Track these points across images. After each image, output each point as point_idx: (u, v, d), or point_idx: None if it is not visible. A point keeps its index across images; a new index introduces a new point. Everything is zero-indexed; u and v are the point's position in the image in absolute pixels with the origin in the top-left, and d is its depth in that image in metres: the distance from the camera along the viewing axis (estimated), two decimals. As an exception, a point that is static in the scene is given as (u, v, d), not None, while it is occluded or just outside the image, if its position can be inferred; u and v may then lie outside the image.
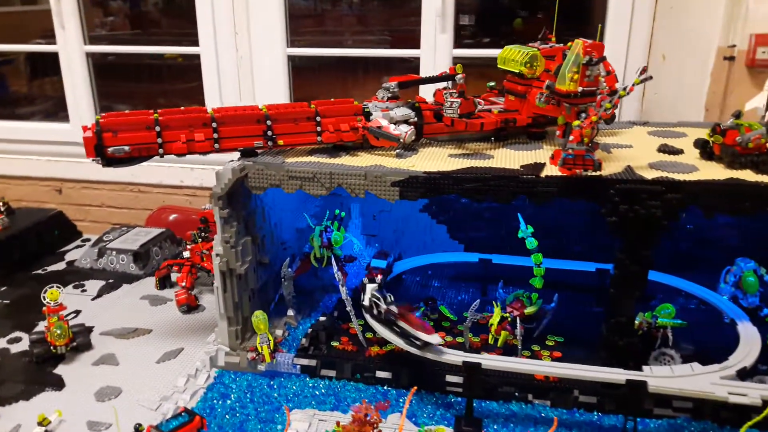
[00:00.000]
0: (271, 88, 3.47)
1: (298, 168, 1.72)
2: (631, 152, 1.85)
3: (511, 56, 1.89)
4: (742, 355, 1.60)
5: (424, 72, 3.29)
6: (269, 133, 1.75)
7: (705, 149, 1.73)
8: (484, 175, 1.63)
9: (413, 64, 3.89)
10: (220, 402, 1.74)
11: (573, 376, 1.55)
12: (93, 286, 2.47)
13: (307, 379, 1.84)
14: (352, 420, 1.42)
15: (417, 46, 3.35)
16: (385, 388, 1.80)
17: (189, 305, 2.25)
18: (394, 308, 1.74)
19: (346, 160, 1.79)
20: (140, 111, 1.73)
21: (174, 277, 2.44)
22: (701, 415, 1.62)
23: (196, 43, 3.57)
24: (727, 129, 1.66)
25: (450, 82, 1.91)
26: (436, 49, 3.22)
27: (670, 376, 1.51)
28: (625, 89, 1.52)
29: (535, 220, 1.86)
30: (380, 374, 1.81)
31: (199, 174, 3.67)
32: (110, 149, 1.64)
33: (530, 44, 1.94)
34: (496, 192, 1.63)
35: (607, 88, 1.55)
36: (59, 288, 1.99)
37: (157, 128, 1.66)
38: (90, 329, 2.10)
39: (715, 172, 1.62)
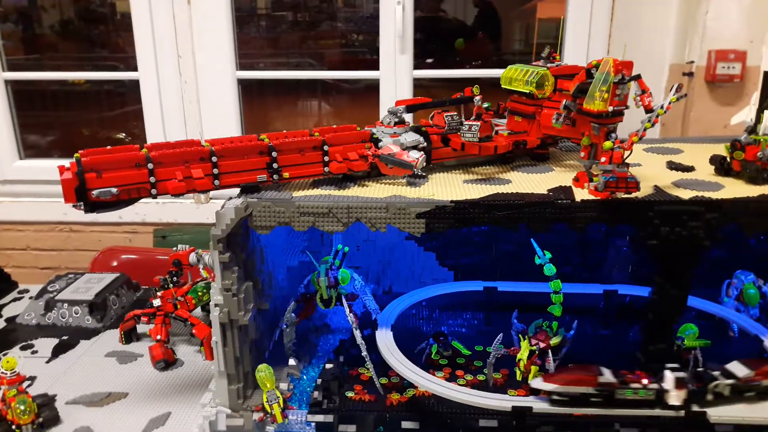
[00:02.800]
0: (219, 114, 3.26)
1: (311, 203, 1.54)
2: (643, 171, 1.80)
3: (517, 76, 1.81)
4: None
5: (385, 94, 3.19)
6: (274, 165, 1.56)
7: (722, 165, 1.71)
8: (518, 202, 1.53)
9: (359, 84, 3.79)
10: (233, 474, 1.53)
11: (629, 414, 1.46)
12: (44, 345, 2.15)
13: (324, 436, 1.66)
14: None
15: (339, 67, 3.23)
16: (412, 439, 1.65)
17: (167, 360, 1.99)
18: None
19: (357, 191, 1.63)
20: (123, 146, 1.51)
21: (141, 329, 2.18)
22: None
23: (102, 67, 3.30)
24: (747, 144, 1.64)
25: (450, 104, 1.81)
26: (396, 70, 3.13)
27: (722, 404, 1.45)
28: (662, 107, 1.47)
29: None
30: (406, 425, 1.65)
31: (140, 209, 3.37)
32: (95, 192, 1.40)
33: (534, 63, 1.87)
34: (531, 219, 1.53)
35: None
36: (15, 356, 1.71)
37: (150, 165, 1.44)
38: (53, 399, 1.81)
39: (742, 189, 1.59)
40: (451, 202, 1.54)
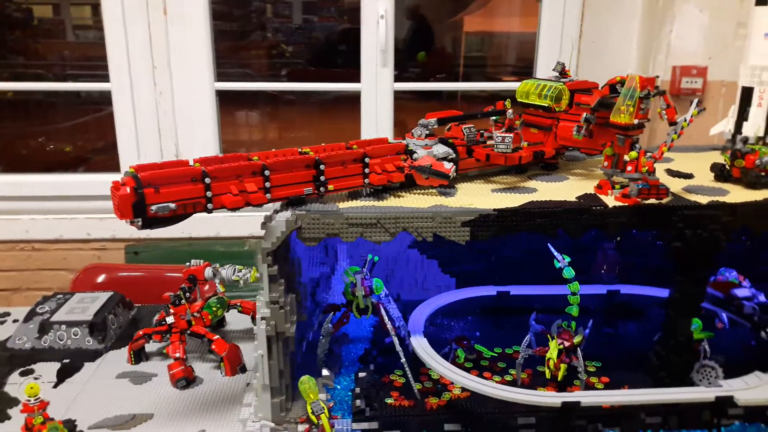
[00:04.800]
0: (196, 126, 3.20)
1: (360, 214, 1.58)
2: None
3: (534, 90, 1.92)
4: (789, 359, 1.74)
5: (366, 106, 3.24)
6: (321, 178, 1.59)
7: (722, 173, 1.87)
8: (556, 210, 1.62)
9: (329, 96, 3.82)
10: (290, 487, 1.53)
11: (670, 401, 1.58)
12: (45, 369, 2.05)
13: (369, 444, 1.68)
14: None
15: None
16: (455, 440, 1.70)
17: (187, 379, 1.95)
18: None
19: (394, 202, 1.68)
20: (173, 161, 1.49)
21: (148, 348, 2.12)
22: (752, 419, 1.73)
23: (23, 76, 3.20)
24: (746, 153, 1.81)
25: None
26: (377, 82, 3.19)
27: (749, 388, 1.59)
28: (685, 120, 1.60)
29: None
30: (448, 427, 1.70)
31: (109, 224, 3.26)
32: (153, 208, 1.38)
33: (546, 78, 1.98)
34: (568, 225, 1.62)
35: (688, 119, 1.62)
36: (37, 379, 1.64)
37: (207, 180, 1.43)
38: (74, 424, 1.75)
39: (745, 193, 1.75)
40: (494, 210, 1.61)
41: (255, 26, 4.53)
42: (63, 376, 2.02)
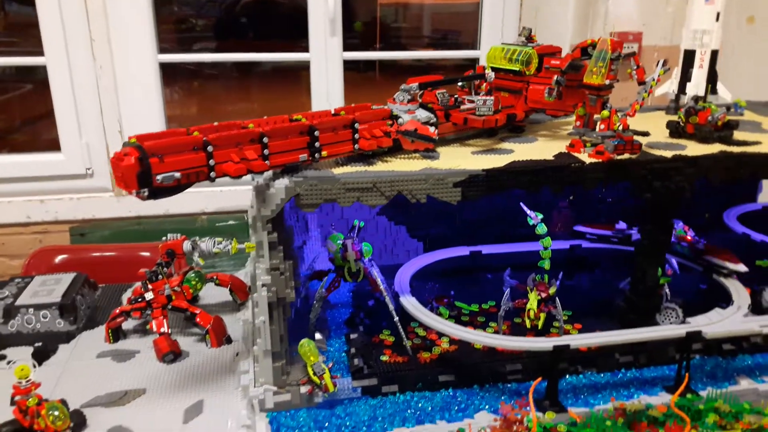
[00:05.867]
0: (140, 101, 3.10)
1: (357, 179, 1.61)
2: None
3: (503, 55, 1.99)
4: (740, 297, 1.92)
5: (315, 75, 3.23)
6: (316, 144, 1.60)
7: (676, 129, 2.03)
8: (539, 168, 1.71)
9: (265, 67, 3.77)
10: (302, 446, 1.57)
11: (648, 338, 1.72)
12: (18, 354, 1.97)
13: (369, 399, 1.74)
14: (504, 420, 1.41)
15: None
16: (450, 390, 1.78)
17: (174, 353, 1.93)
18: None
19: (382, 167, 1.72)
20: (170, 130, 1.47)
21: (125, 326, 2.08)
22: (710, 352, 1.92)
23: None
24: (699, 110, 1.97)
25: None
26: (326, 52, 3.19)
27: (713, 323, 1.76)
28: (653, 79, 1.73)
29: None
30: (443, 378, 1.79)
31: (51, 206, 3.13)
32: (159, 177, 1.36)
33: (512, 43, 2.06)
34: (551, 182, 1.72)
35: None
36: (10, 363, 1.60)
37: (209, 148, 1.42)
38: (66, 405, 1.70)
39: (700, 147, 1.91)
40: (483, 170, 1.68)
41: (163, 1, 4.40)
42: (40, 359, 1.96)
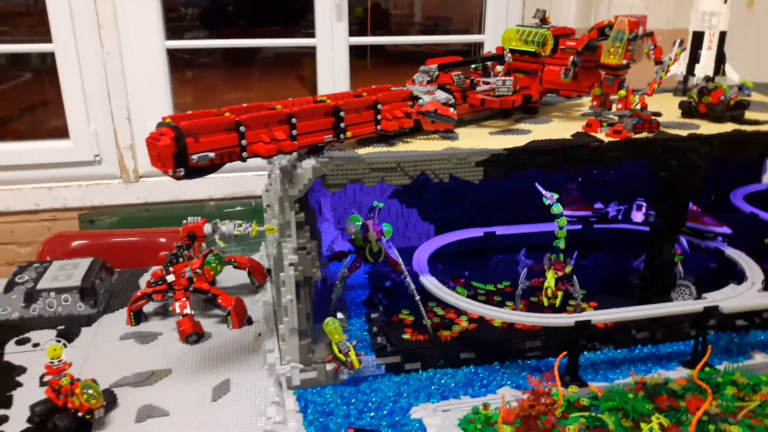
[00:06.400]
0: (147, 87, 3.10)
1: (381, 159, 1.63)
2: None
3: (518, 36, 2.02)
4: (754, 274, 1.96)
5: (322, 61, 3.24)
6: (341, 125, 1.62)
7: (689, 109, 2.06)
8: (559, 147, 1.74)
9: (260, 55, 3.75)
10: (331, 419, 1.60)
11: (667, 314, 1.76)
12: (42, 337, 1.99)
13: (393, 376, 1.78)
14: (532, 393, 1.44)
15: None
16: (471, 367, 1.82)
17: (198, 333, 1.96)
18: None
19: (404, 148, 1.74)
20: (200, 111, 1.49)
21: (145, 308, 2.10)
22: (723, 328, 1.96)
23: None
24: (711, 90, 2.00)
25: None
26: (332, 37, 3.20)
27: (730, 298, 1.81)
28: (670, 59, 1.76)
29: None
30: (464, 355, 1.82)
31: (59, 193, 3.13)
32: (194, 157, 1.38)
33: (526, 25, 2.08)
34: (570, 161, 1.75)
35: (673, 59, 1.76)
36: (59, 341, 1.61)
37: (242, 129, 1.44)
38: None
39: (713, 127, 1.94)
40: (504, 150, 1.71)
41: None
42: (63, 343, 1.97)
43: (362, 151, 1.69)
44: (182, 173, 1.37)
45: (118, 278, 2.41)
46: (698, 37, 2.38)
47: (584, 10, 3.31)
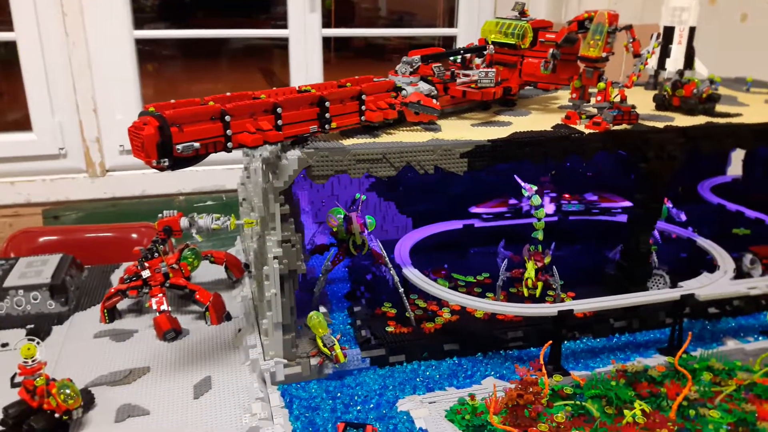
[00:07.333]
0: (114, 77, 3.01)
1: (367, 150, 1.62)
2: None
3: (497, 29, 2.02)
4: (725, 263, 2.02)
5: (294, 52, 3.20)
6: (326, 116, 1.60)
7: (663, 102, 2.10)
8: (541, 138, 1.76)
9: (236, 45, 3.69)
10: (317, 414, 1.58)
11: (647, 302, 1.80)
12: (11, 337, 1.92)
13: (377, 369, 1.77)
14: (520, 383, 1.45)
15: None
16: (455, 359, 1.82)
17: (176, 330, 1.91)
18: None
19: (387, 139, 1.73)
20: (184, 101, 1.45)
21: (122, 305, 2.05)
22: (695, 316, 2.01)
23: None
24: (684, 84, 2.04)
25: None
26: (305, 28, 3.16)
27: (704, 286, 1.85)
28: (648, 52, 1.78)
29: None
30: (447, 347, 1.83)
31: (22, 188, 3.03)
32: (179, 147, 1.34)
33: (505, 17, 2.09)
34: (553, 152, 1.76)
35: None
36: (32, 340, 1.56)
37: (227, 118, 1.41)
38: (70, 384, 1.67)
39: (687, 119, 1.98)
40: (488, 141, 1.71)
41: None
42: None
43: (347, 142, 1.67)
44: (166, 164, 1.34)
45: (89, 275, 2.34)
46: (669, 32, 2.43)
47: (555, 5, 3.34)
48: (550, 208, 2.45)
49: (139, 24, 3.06)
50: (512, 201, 2.48)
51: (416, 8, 5.49)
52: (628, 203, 2.41)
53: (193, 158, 1.39)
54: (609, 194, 2.51)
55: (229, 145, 1.43)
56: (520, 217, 2.46)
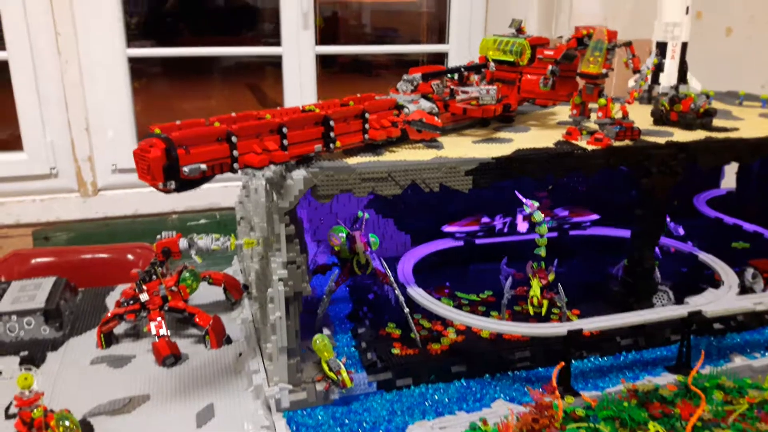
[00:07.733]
0: (108, 97, 2.98)
1: (372, 168, 1.60)
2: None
3: (495, 46, 2.02)
4: (729, 278, 2.01)
5: (288, 69, 3.19)
6: (331, 135, 1.58)
7: (660, 117, 2.11)
8: (544, 155, 1.75)
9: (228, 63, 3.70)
10: (325, 442, 1.55)
11: (655, 320, 1.78)
12: (3, 364, 1.86)
13: (384, 393, 1.73)
14: (534, 407, 1.43)
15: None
16: (462, 381, 1.79)
17: (175, 356, 1.87)
18: None
19: (390, 157, 1.71)
20: (188, 121, 1.42)
21: (118, 329, 2.00)
22: (701, 332, 2.01)
23: None
24: (682, 98, 2.05)
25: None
26: (299, 46, 3.15)
27: (711, 302, 1.84)
28: (647, 68, 1.79)
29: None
30: (455, 369, 1.80)
31: (11, 209, 2.97)
32: (185, 169, 1.31)
33: (502, 35, 2.09)
34: (556, 169, 1.76)
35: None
36: (29, 369, 1.51)
37: (234, 139, 1.38)
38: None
39: (686, 134, 1.99)
40: (492, 158, 1.70)
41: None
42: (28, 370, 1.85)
43: (350, 160, 1.65)
44: (173, 186, 1.31)
45: (83, 298, 2.29)
46: (662, 48, 2.44)
47: (545, 22, 3.36)
48: (523, 226, 2.43)
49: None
50: (485, 219, 2.46)
51: (399, 24, 5.54)
52: (596, 216, 2.47)
53: (199, 180, 1.36)
54: (579, 208, 2.52)
55: (236, 166, 1.40)
56: (494, 235, 2.45)
